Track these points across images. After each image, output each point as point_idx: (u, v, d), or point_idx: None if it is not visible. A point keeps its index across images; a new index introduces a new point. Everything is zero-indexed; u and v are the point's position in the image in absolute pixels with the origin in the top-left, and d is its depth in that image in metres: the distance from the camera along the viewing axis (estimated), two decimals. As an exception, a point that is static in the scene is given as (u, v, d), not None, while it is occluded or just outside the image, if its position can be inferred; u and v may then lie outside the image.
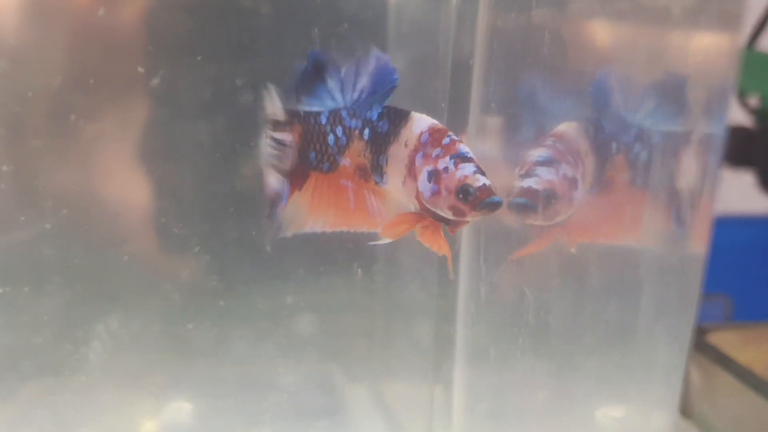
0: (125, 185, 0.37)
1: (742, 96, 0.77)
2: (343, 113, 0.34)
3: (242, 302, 0.40)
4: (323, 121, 0.34)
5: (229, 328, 0.40)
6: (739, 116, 0.79)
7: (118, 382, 0.40)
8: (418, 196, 0.34)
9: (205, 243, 0.38)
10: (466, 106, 0.38)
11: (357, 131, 0.34)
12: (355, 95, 0.34)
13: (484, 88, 0.38)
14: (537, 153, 0.38)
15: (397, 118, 0.34)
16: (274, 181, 0.35)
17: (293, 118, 0.34)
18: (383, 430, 0.42)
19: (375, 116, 0.34)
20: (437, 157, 0.33)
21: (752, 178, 0.77)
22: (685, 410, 0.52)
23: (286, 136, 0.34)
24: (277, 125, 0.34)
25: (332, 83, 0.33)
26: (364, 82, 0.33)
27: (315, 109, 0.34)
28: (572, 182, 0.37)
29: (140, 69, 0.35)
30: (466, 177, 0.33)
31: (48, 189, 0.36)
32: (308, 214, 0.35)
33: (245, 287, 0.39)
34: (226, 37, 0.36)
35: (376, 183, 0.34)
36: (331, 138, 0.34)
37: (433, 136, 0.34)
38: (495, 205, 0.33)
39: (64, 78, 0.35)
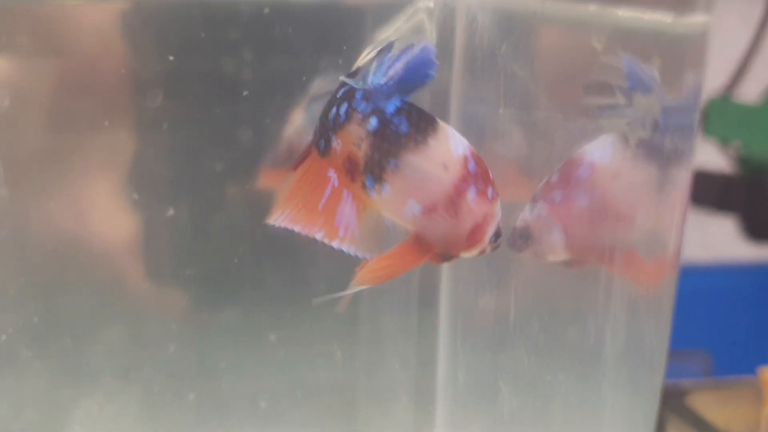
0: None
1: (723, 144, 0.79)
2: (358, 94, 0.28)
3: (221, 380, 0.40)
4: (339, 94, 0.29)
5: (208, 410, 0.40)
6: (717, 161, 0.80)
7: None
8: (436, 230, 0.28)
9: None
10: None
11: (361, 115, 0.28)
12: (383, 80, 0.28)
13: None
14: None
15: (422, 122, 0.28)
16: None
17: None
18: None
19: (391, 109, 0.28)
20: (492, 199, 0.28)
21: (732, 225, 0.79)
22: (665, 473, 0.52)
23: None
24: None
25: (375, 64, 0.28)
26: (398, 68, 0.28)
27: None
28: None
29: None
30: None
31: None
32: (284, 200, 0.29)
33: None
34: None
35: (364, 187, 0.28)
36: (333, 111, 0.28)
37: (480, 166, 0.28)
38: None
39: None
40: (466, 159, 0.28)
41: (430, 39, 0.35)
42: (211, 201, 0.38)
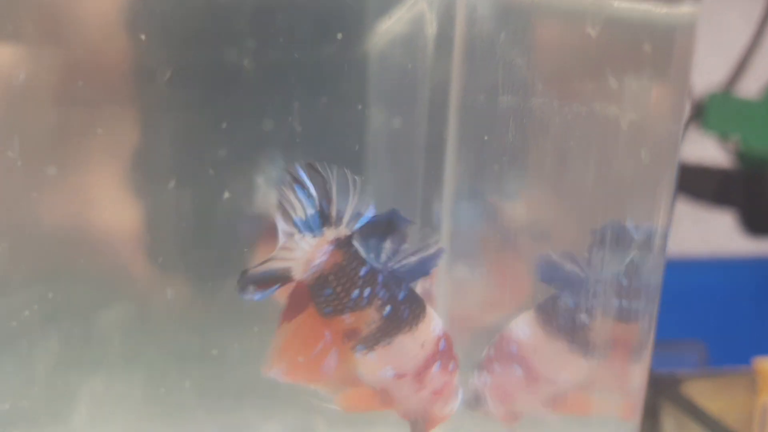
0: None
1: (722, 139, 0.79)
2: (379, 278, 0.31)
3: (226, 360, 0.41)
4: (362, 273, 0.31)
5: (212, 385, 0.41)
6: (716, 156, 0.81)
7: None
8: (401, 391, 0.33)
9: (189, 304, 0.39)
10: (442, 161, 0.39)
11: (381, 302, 0.32)
12: (397, 266, 0.32)
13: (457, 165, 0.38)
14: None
15: (417, 308, 0.32)
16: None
17: (344, 244, 0.31)
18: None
19: (401, 297, 0.32)
20: (453, 371, 0.33)
21: (731, 220, 0.79)
22: (659, 460, 0.53)
23: (321, 255, 0.32)
24: (322, 231, 0.31)
25: (389, 247, 0.32)
26: (412, 260, 0.32)
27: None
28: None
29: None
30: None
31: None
32: (278, 353, 0.32)
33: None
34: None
35: (353, 349, 0.32)
36: (356, 293, 0.31)
37: (448, 344, 0.33)
38: None
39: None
40: (439, 338, 0.33)
41: (430, 31, 0.36)
42: (216, 186, 0.39)
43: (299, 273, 0.31)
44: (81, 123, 0.37)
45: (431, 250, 0.32)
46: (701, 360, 0.67)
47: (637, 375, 0.43)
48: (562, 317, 0.38)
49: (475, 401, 0.39)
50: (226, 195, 0.38)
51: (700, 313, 0.71)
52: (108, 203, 0.39)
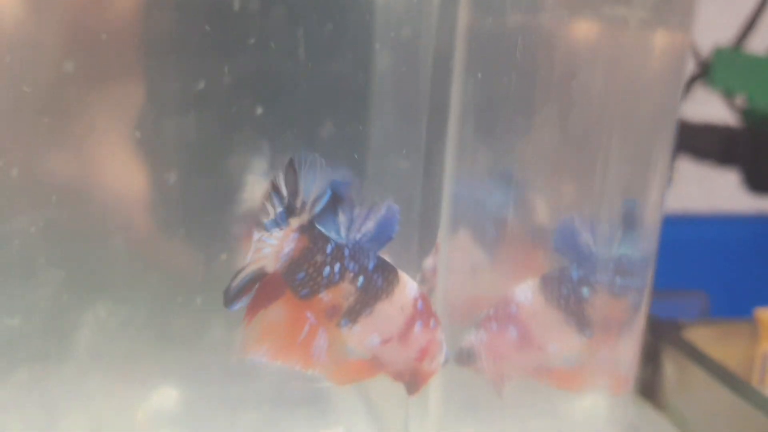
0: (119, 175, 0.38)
1: (728, 96, 0.79)
2: (345, 252, 0.33)
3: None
4: (328, 250, 0.33)
5: (213, 316, 0.41)
6: (723, 115, 0.80)
7: (106, 369, 0.41)
8: (390, 354, 0.35)
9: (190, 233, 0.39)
10: (447, 108, 0.39)
11: (352, 275, 0.33)
12: (358, 236, 0.34)
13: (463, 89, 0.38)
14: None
15: (390, 275, 0.34)
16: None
17: (308, 228, 0.33)
18: (363, 416, 0.44)
19: (371, 267, 0.34)
20: (434, 328, 0.35)
21: (735, 178, 0.79)
22: (659, 403, 0.54)
23: (289, 243, 0.33)
24: (288, 223, 0.33)
25: (343, 219, 0.33)
26: (369, 226, 0.34)
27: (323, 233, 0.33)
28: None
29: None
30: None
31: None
32: (259, 338, 0.33)
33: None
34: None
35: (338, 325, 0.34)
36: (326, 270, 0.33)
37: (426, 304, 0.35)
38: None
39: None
40: (416, 300, 0.35)
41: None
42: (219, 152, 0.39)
43: (272, 266, 0.33)
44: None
45: (382, 211, 0.33)
46: (703, 310, 0.67)
47: (629, 350, 0.43)
48: (566, 288, 0.39)
49: (467, 357, 0.40)
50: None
51: (703, 267, 0.71)
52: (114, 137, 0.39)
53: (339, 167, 0.39)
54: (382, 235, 0.34)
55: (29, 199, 0.37)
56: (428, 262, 0.41)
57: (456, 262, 0.41)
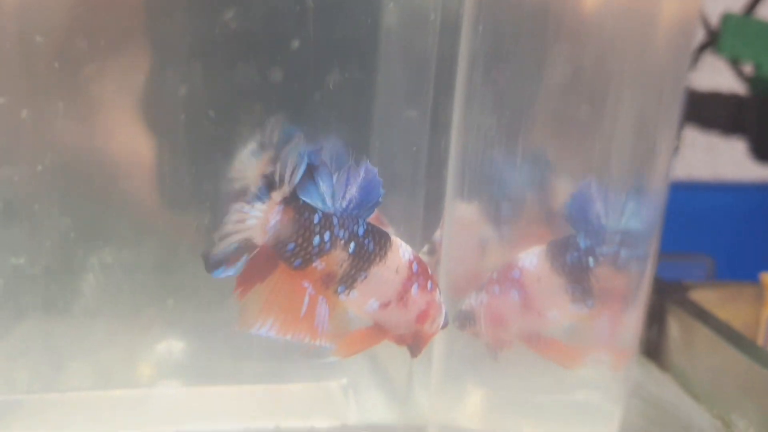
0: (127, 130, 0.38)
1: (735, 63, 0.78)
2: (334, 220, 0.33)
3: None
4: (315, 220, 0.33)
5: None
6: (731, 83, 0.80)
7: (111, 319, 0.41)
8: (391, 318, 0.35)
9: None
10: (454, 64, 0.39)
11: (343, 242, 0.34)
12: (344, 203, 0.34)
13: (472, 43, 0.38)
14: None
15: (381, 239, 0.34)
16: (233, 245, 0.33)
17: (292, 200, 0.33)
18: (366, 367, 0.44)
19: (361, 232, 0.34)
20: (432, 290, 0.35)
21: (742, 147, 0.78)
22: (664, 364, 0.53)
23: (275, 215, 0.33)
24: (269, 196, 0.33)
25: (324, 187, 0.33)
26: (353, 191, 0.34)
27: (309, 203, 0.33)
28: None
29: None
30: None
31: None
32: (261, 312, 0.33)
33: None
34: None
35: (336, 293, 0.34)
36: (316, 239, 0.33)
37: (422, 267, 0.35)
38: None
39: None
40: (411, 262, 0.35)
41: None
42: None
43: (260, 238, 0.33)
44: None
45: (361, 174, 0.33)
46: (709, 274, 0.67)
47: (630, 325, 0.43)
48: (572, 256, 0.39)
49: (466, 320, 0.40)
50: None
51: (709, 233, 0.71)
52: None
53: (346, 121, 0.39)
54: (368, 199, 0.34)
55: (37, 141, 0.37)
56: (438, 234, 0.41)
57: (462, 230, 0.40)
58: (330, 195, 0.33)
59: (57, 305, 0.40)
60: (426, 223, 0.41)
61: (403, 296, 0.35)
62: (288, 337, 0.34)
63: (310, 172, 0.33)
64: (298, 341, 0.34)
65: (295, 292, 0.34)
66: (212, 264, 0.33)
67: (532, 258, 0.39)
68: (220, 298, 0.42)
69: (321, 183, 0.33)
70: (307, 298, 0.34)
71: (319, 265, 0.34)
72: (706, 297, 0.55)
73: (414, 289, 0.35)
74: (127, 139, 0.39)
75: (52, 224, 0.38)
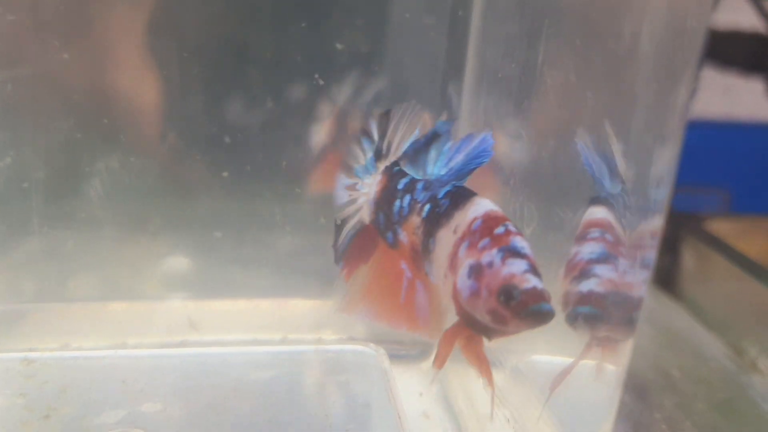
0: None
1: (757, 0, 0.76)
2: (419, 185, 0.30)
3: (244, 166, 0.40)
4: (401, 186, 0.30)
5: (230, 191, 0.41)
6: (752, 21, 0.77)
7: (118, 227, 0.40)
8: (455, 295, 0.28)
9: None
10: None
11: (420, 205, 0.29)
12: (443, 171, 0.30)
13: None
14: (587, 249, 0.32)
15: (459, 199, 0.29)
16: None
17: (388, 168, 0.31)
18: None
19: (441, 194, 0.29)
20: (483, 248, 0.27)
21: (761, 87, 0.77)
22: (677, 293, 0.53)
23: (374, 187, 0.31)
24: (376, 167, 0.31)
25: (433, 156, 0.30)
26: (458, 159, 0.29)
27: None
28: (633, 279, 0.32)
29: None
30: (512, 276, 0.26)
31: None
32: (365, 296, 0.30)
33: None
34: None
35: (426, 273, 0.30)
36: (396, 204, 0.30)
37: (487, 224, 0.28)
38: (543, 316, 0.26)
39: None
40: (474, 220, 0.28)
41: None
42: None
43: (368, 216, 0.31)
44: None
45: (474, 142, 0.29)
46: (725, 206, 0.66)
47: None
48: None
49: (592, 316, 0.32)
50: None
51: (726, 170, 0.70)
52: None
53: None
54: (469, 166, 0.29)
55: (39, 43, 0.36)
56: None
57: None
58: (434, 162, 0.30)
59: (63, 212, 0.39)
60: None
61: (452, 259, 0.28)
62: (388, 324, 0.30)
63: (431, 142, 0.30)
64: (393, 328, 0.30)
65: (394, 274, 0.30)
66: (340, 255, 0.31)
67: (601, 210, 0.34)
68: (229, 213, 0.41)
69: (433, 152, 0.30)
70: (405, 283, 0.30)
71: (403, 237, 0.30)
72: (721, 229, 0.54)
73: (462, 249, 0.28)
74: (140, 46, 0.38)
75: (59, 125, 0.37)
